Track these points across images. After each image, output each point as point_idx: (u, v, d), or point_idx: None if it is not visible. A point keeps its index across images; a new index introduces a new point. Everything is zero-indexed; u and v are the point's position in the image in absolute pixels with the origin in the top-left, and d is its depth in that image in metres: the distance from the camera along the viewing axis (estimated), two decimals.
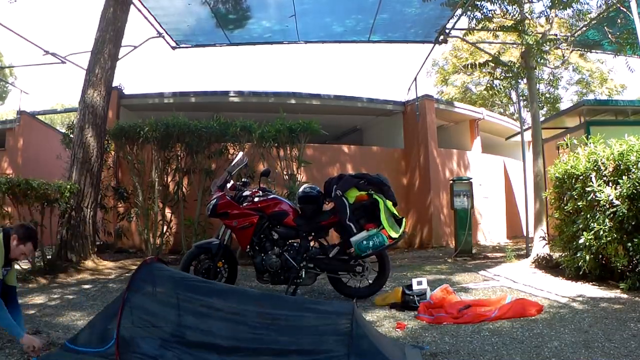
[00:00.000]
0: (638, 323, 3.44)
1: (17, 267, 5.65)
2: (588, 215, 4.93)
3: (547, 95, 17.38)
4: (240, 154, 5.11)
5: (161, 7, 7.77)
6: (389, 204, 4.45)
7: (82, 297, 4.75)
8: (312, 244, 4.68)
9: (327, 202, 4.71)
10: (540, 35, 7.56)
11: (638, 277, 4.54)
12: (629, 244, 4.52)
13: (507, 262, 7.20)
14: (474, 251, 8.45)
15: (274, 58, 77.41)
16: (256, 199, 4.64)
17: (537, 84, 14.54)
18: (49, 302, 4.47)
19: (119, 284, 5.48)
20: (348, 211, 4.35)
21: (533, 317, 3.72)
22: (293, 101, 10.63)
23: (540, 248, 6.86)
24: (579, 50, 10.66)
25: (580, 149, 5.46)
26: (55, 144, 10.58)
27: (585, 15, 7.75)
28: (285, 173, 8.05)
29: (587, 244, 4.84)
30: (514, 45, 13.65)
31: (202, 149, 8.01)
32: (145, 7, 7.74)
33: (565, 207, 5.41)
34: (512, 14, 7.45)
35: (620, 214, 4.51)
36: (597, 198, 4.76)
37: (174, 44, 9.08)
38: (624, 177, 4.59)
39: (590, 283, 5.02)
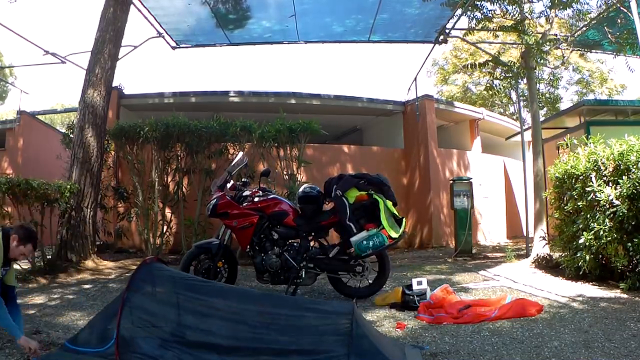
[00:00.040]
0: (638, 323, 3.44)
1: (17, 267, 5.66)
2: (588, 215, 4.93)
3: (547, 95, 17.37)
4: (240, 154, 5.11)
5: (161, 7, 7.77)
6: (389, 204, 4.45)
7: (82, 297, 4.76)
8: (312, 244, 4.68)
9: (327, 202, 4.71)
10: (540, 35, 7.56)
11: (638, 277, 4.54)
12: (629, 244, 4.52)
13: (507, 262, 7.20)
14: (474, 251, 8.45)
15: (274, 58, 77.43)
16: (256, 199, 4.64)
17: (537, 84, 14.54)
18: (49, 302, 4.47)
19: (119, 284, 5.48)
20: (348, 211, 4.35)
21: (533, 317, 3.72)
22: (293, 101, 10.63)
23: (540, 248, 6.86)
24: (579, 50, 10.65)
25: (580, 149, 5.46)
26: (55, 144, 10.58)
27: (585, 15, 7.75)
28: (285, 173, 8.05)
29: (587, 244, 4.84)
30: (514, 45, 13.66)
31: (202, 149, 8.01)
32: (145, 7, 7.74)
33: (565, 207, 5.41)
34: (512, 14, 7.45)
35: (620, 214, 4.51)
36: (597, 198, 4.76)
37: (174, 44, 9.07)
38: (624, 177, 4.59)
39: (590, 283, 5.02)
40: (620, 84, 20.17)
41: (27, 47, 65.65)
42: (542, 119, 10.58)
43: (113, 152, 8.68)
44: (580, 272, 5.09)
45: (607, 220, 4.66)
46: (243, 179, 5.59)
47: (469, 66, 8.67)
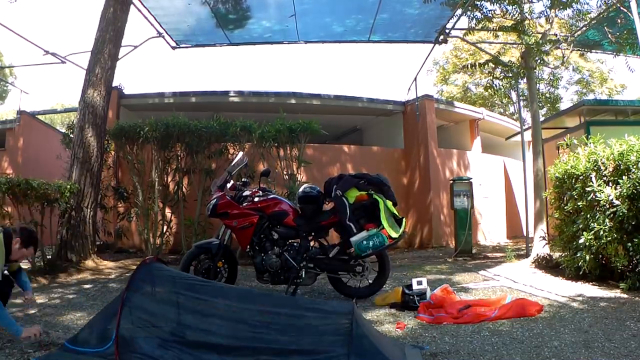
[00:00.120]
0: (638, 323, 3.44)
1: None
2: (588, 215, 4.93)
3: (547, 95, 17.39)
4: (240, 154, 5.11)
5: (161, 7, 7.77)
6: (389, 204, 4.45)
7: (82, 297, 4.75)
8: (312, 244, 4.68)
9: (327, 202, 4.71)
10: (540, 36, 7.56)
11: (638, 277, 4.54)
12: (629, 244, 4.51)
13: (507, 262, 7.19)
14: (474, 251, 8.44)
15: (274, 58, 77.44)
16: (256, 199, 4.64)
17: (537, 84, 14.56)
18: (49, 302, 4.47)
19: (119, 284, 5.48)
20: (348, 211, 4.35)
21: (533, 317, 3.72)
22: (293, 101, 10.63)
23: (540, 248, 6.86)
24: (579, 50, 10.65)
25: (580, 149, 5.46)
26: (55, 144, 10.58)
27: (585, 15, 7.75)
28: (285, 173, 8.05)
29: (587, 244, 4.84)
30: (514, 45, 13.65)
31: (202, 149, 8.01)
32: (145, 7, 7.74)
33: (565, 207, 5.41)
34: (512, 14, 7.45)
35: (620, 214, 4.51)
36: (597, 198, 4.76)
37: (174, 44, 9.08)
38: (624, 177, 4.59)
39: (590, 283, 5.02)
40: (620, 84, 20.19)
41: (27, 47, 65.68)
42: (542, 119, 10.58)
43: (113, 152, 8.68)
44: (580, 272, 5.09)
45: (607, 220, 4.65)
46: (243, 179, 5.59)
47: (469, 66, 8.65)
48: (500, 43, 14.34)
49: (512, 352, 2.91)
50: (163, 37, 8.70)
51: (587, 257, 4.91)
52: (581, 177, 5.12)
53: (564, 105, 19.53)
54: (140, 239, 8.51)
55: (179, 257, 6.91)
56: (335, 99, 11.13)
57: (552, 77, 16.26)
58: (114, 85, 7.89)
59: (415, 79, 10.53)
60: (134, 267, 6.60)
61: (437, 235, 10.14)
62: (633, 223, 4.51)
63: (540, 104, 16.88)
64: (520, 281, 5.47)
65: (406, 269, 6.79)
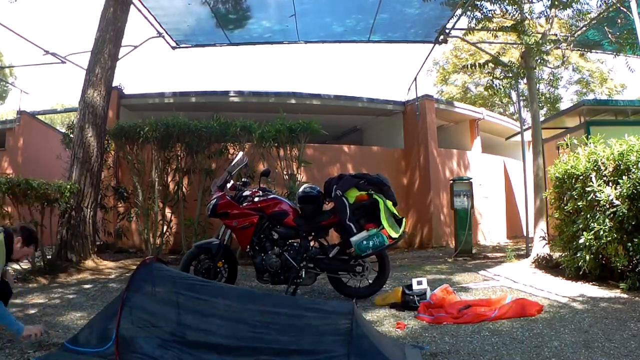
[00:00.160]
0: (638, 323, 3.44)
1: (17, 267, 5.70)
2: (588, 215, 4.93)
3: (547, 95, 17.39)
4: (240, 154, 5.11)
5: (161, 7, 7.77)
6: (389, 204, 4.45)
7: (82, 297, 4.75)
8: (312, 244, 4.68)
9: (327, 202, 4.71)
10: (540, 36, 7.56)
11: (638, 277, 4.54)
12: (629, 244, 4.51)
13: (507, 262, 7.19)
14: (474, 251, 8.44)
15: (274, 58, 77.44)
16: (256, 199, 4.64)
17: (537, 84, 14.57)
18: (49, 302, 4.47)
19: (119, 284, 5.48)
20: (348, 211, 4.35)
21: (533, 317, 3.72)
22: (293, 101, 10.63)
23: (540, 248, 6.86)
24: (579, 50, 10.66)
25: (580, 149, 5.46)
26: (55, 144, 10.58)
27: (585, 15, 7.75)
28: (285, 173, 8.05)
29: (587, 244, 4.84)
30: (514, 45, 13.65)
31: (202, 149, 8.01)
32: (145, 7, 7.74)
33: (565, 207, 5.41)
34: (512, 14, 7.45)
35: (620, 214, 4.51)
36: (597, 198, 4.76)
37: (174, 44, 9.08)
38: (624, 177, 4.59)
39: (590, 283, 5.02)
40: (620, 83, 20.20)
41: (27, 47, 65.69)
42: (542, 119, 10.58)
43: (113, 152, 8.68)
44: (580, 272, 5.09)
45: (607, 220, 4.65)
46: (243, 179, 5.59)
47: (469, 66, 8.66)
48: (500, 43, 14.34)
49: (512, 352, 2.91)
50: (163, 37, 8.70)
51: (587, 257, 4.91)
52: (581, 177, 5.12)
53: (564, 105, 19.55)
54: (140, 239, 8.51)
55: (179, 257, 6.91)
56: (335, 99, 11.13)
57: (552, 77, 16.28)
58: (114, 85, 7.89)
59: (415, 79, 10.54)
60: (134, 267, 6.60)
61: (437, 235, 10.14)
62: (633, 223, 4.51)
63: (540, 104, 16.89)
64: (520, 281, 5.47)
65: (406, 269, 6.79)
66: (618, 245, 4.62)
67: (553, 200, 5.90)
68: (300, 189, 4.83)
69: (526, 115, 13.83)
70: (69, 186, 6.38)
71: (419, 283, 4.35)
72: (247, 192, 4.73)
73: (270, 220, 4.61)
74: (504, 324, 3.58)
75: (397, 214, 4.52)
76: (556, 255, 6.40)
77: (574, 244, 5.19)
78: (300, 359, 2.34)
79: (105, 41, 7.18)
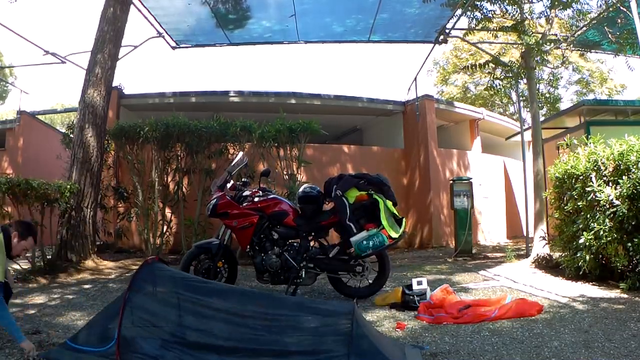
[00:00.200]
0: (638, 323, 3.44)
1: (17, 266, 5.70)
2: (588, 215, 4.93)
3: (547, 95, 17.38)
4: (240, 154, 5.11)
5: (161, 7, 7.77)
6: (389, 204, 4.45)
7: (82, 297, 4.75)
8: (312, 244, 4.68)
9: (327, 202, 4.71)
10: (540, 36, 7.56)
11: (638, 277, 4.54)
12: (629, 244, 4.52)
13: (507, 262, 7.20)
14: (474, 251, 8.45)
15: (274, 58, 77.45)
16: (256, 199, 4.64)
17: (537, 84, 14.56)
18: (49, 302, 4.47)
19: (119, 284, 5.48)
20: (348, 211, 4.35)
21: (533, 317, 3.72)
22: (293, 101, 10.63)
23: (540, 248, 6.86)
24: (579, 50, 10.66)
25: (580, 149, 5.46)
26: (55, 144, 10.58)
27: (585, 16, 7.75)
28: (285, 173, 8.05)
29: (587, 244, 4.84)
30: (514, 46, 13.65)
31: (202, 149, 8.01)
32: (145, 7, 7.74)
33: (565, 207, 5.41)
34: (512, 15, 7.45)
35: (620, 214, 4.51)
36: (597, 198, 4.76)
37: (174, 44, 9.08)
38: (624, 177, 4.59)
39: (590, 283, 5.02)
40: (620, 84, 20.19)
41: (27, 47, 65.72)
42: (542, 119, 10.58)
43: (113, 152, 8.67)
44: (580, 272, 5.09)
45: (607, 220, 4.65)
46: (243, 179, 5.59)
47: (470, 67, 8.66)
48: (500, 43, 14.34)
49: (512, 352, 2.91)
50: (163, 37, 8.70)
51: (587, 257, 4.91)
52: (581, 177, 5.12)
53: (564, 105, 19.53)
54: (140, 239, 8.51)
55: (179, 257, 6.91)
56: (335, 99, 11.13)
57: (552, 77, 16.28)
58: (114, 85, 7.89)
59: (415, 79, 10.54)
60: (134, 267, 6.63)
61: (437, 235, 10.14)
62: (633, 223, 4.51)
63: (540, 104, 16.87)
64: (520, 281, 5.47)
65: (406, 269, 6.79)
66: (618, 245, 4.62)
67: (553, 200, 5.90)
68: (300, 189, 4.83)
69: (526, 115, 13.83)
70: (69, 186, 6.38)
71: (419, 283, 4.35)
72: (247, 192, 4.73)
73: (270, 220, 4.61)
74: (504, 324, 3.58)
75: (397, 214, 4.52)
76: (556, 255, 6.41)
77: (574, 244, 5.19)
78: (301, 359, 2.34)
79: (105, 41, 7.18)
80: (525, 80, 7.84)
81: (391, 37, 9.18)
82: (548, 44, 7.76)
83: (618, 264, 4.63)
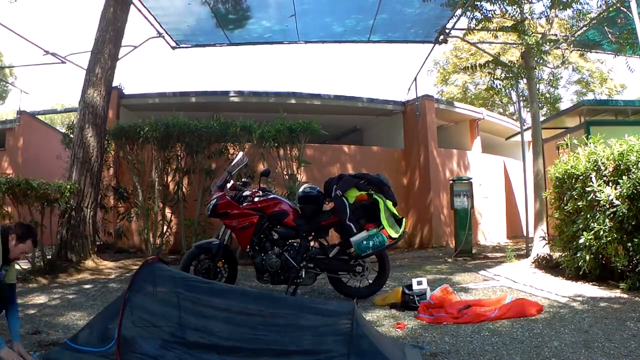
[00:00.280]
0: (638, 323, 3.44)
1: (17, 267, 5.68)
2: (588, 215, 4.93)
3: (547, 95, 17.35)
4: (240, 154, 5.11)
5: (161, 7, 7.77)
6: (389, 204, 4.45)
7: (82, 297, 4.76)
8: (312, 244, 4.68)
9: (327, 202, 4.71)
10: (540, 36, 7.56)
11: (638, 277, 4.54)
12: (629, 244, 4.52)
13: (507, 262, 7.20)
14: (474, 251, 8.45)
15: (274, 58, 77.41)
16: (256, 199, 4.64)
17: (537, 84, 14.52)
18: (49, 302, 4.47)
19: (119, 284, 5.48)
20: (348, 211, 4.35)
21: (533, 317, 3.73)
22: (293, 101, 10.63)
23: (540, 248, 6.86)
24: (579, 50, 10.66)
25: (580, 149, 5.46)
26: (55, 144, 10.58)
27: (585, 16, 7.75)
28: (285, 173, 8.05)
29: (587, 244, 4.84)
30: (514, 46, 13.65)
31: (202, 149, 8.01)
32: (145, 7, 7.74)
33: (565, 207, 5.41)
34: (512, 15, 7.45)
35: (620, 214, 4.51)
36: (597, 198, 4.76)
37: (174, 44, 9.07)
38: (624, 177, 4.59)
39: (590, 283, 5.02)
40: (620, 84, 20.19)
41: (27, 47, 65.71)
42: (542, 119, 10.58)
43: (113, 152, 8.67)
44: (580, 272, 5.09)
45: (607, 220, 4.65)
46: (243, 179, 5.60)
47: (470, 67, 8.66)
48: (500, 43, 14.34)
49: (512, 352, 2.91)
50: (163, 37, 8.70)
51: (587, 257, 4.91)
52: (581, 177, 5.12)
53: (564, 105, 19.51)
54: (140, 239, 8.51)
55: (179, 257, 6.91)
56: (335, 99, 11.13)
57: (552, 77, 16.26)
58: (114, 85, 7.89)
59: (415, 79, 10.54)
60: (134, 267, 6.63)
61: (437, 235, 10.14)
62: (633, 223, 4.51)
63: (540, 104, 16.85)
64: (520, 281, 5.47)
65: (406, 269, 6.79)
66: (618, 245, 4.62)
67: (553, 200, 5.90)
68: (300, 189, 4.84)
69: (526, 115, 13.81)
70: (69, 186, 6.39)
71: (419, 283, 4.35)
72: (247, 192, 4.73)
73: (270, 220, 4.61)
74: (504, 324, 3.58)
75: (397, 214, 4.52)
76: (556, 255, 6.41)
77: (574, 244, 5.19)
78: (301, 359, 2.34)
79: (105, 41, 7.18)
80: (525, 80, 7.84)
81: (391, 37, 9.18)
82: (548, 44, 7.75)
83: (618, 264, 4.63)
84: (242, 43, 9.45)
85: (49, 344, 3.02)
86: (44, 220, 6.03)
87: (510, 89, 9.33)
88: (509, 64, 7.98)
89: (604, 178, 4.85)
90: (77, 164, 6.88)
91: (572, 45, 8.29)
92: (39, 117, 12.82)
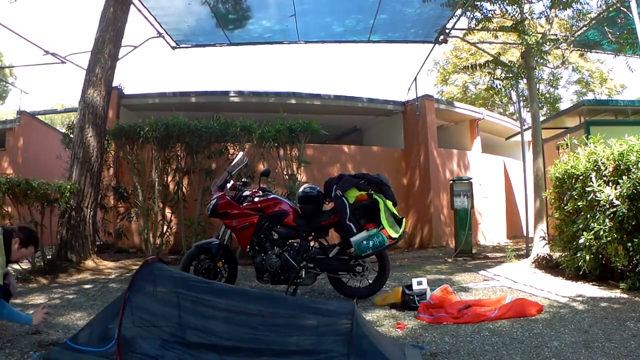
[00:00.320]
0: (638, 323, 3.44)
1: (17, 267, 5.70)
2: (588, 215, 4.93)
3: (547, 95, 17.37)
4: (240, 154, 5.11)
5: (161, 7, 7.77)
6: (389, 204, 4.45)
7: (82, 297, 4.75)
8: (312, 244, 4.68)
9: (327, 202, 4.70)
10: (540, 36, 7.56)
11: (638, 277, 4.54)
12: (629, 244, 4.51)
13: (507, 262, 7.20)
14: (474, 251, 8.45)
15: (274, 58, 77.44)
16: (256, 199, 4.64)
17: (537, 84, 14.54)
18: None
19: (119, 284, 5.48)
20: (348, 211, 4.35)
21: (533, 317, 3.72)
22: (293, 101, 10.63)
23: (540, 248, 6.86)
24: (579, 50, 10.66)
25: (580, 149, 5.46)
26: (55, 144, 10.58)
27: (585, 15, 7.75)
28: (285, 173, 8.05)
29: (587, 244, 4.84)
30: (514, 46, 13.65)
31: (202, 149, 8.01)
32: (145, 7, 7.74)
33: (565, 207, 5.41)
34: (512, 15, 7.45)
35: (620, 214, 4.51)
36: (597, 198, 4.76)
37: (174, 44, 9.08)
38: (624, 177, 4.59)
39: (590, 283, 5.02)
40: (620, 84, 20.20)
41: (27, 47, 65.68)
42: (542, 119, 10.58)
43: (113, 152, 8.68)
44: (580, 272, 5.09)
45: (607, 220, 4.65)
46: (243, 179, 5.59)
47: (470, 67, 8.66)
48: (500, 43, 14.34)
49: (512, 352, 2.91)
50: (163, 37, 8.70)
51: (587, 257, 4.91)
52: (581, 177, 5.12)
53: (563, 105, 19.53)
54: (140, 239, 8.51)
55: (179, 257, 6.91)
56: (335, 99, 11.13)
57: (552, 77, 16.28)
58: (114, 85, 7.89)
59: (415, 79, 10.54)
60: (134, 267, 6.63)
61: (437, 235, 10.14)
62: (633, 223, 4.51)
63: (540, 104, 16.87)
64: (520, 281, 5.47)
65: (406, 269, 6.79)
66: (618, 245, 4.62)
67: (553, 200, 5.90)
68: (300, 189, 4.83)
69: (526, 115, 13.82)
70: (69, 186, 6.38)
71: (419, 283, 4.35)
72: (247, 192, 4.73)
73: (270, 220, 4.61)
74: (504, 324, 3.58)
75: (397, 214, 4.52)
76: (556, 255, 6.41)
77: (574, 244, 5.19)
78: (301, 359, 2.34)
79: (105, 41, 7.18)
80: (525, 80, 7.84)
81: (391, 37, 9.18)
82: (548, 44, 7.75)
83: (618, 264, 4.63)
84: (242, 43, 9.46)
85: (49, 344, 3.01)
86: (44, 220, 6.03)
87: (510, 89, 9.34)
88: (509, 64, 7.98)
89: (604, 178, 4.85)
90: (77, 164, 6.88)
91: (572, 45, 8.30)
92: (39, 117, 12.82)
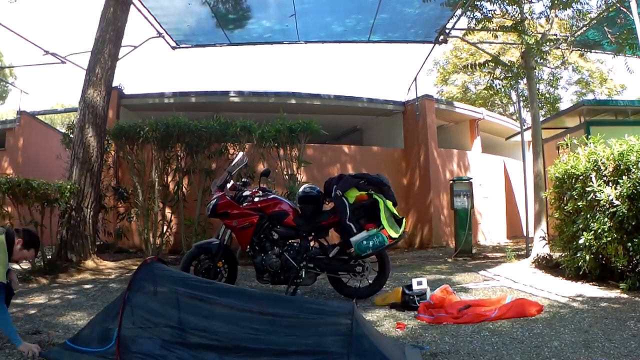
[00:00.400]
0: (638, 323, 3.44)
1: (17, 267, 5.70)
2: (588, 215, 4.93)
3: (547, 95, 17.36)
4: (240, 154, 5.11)
5: (161, 7, 7.77)
6: (389, 204, 4.45)
7: (82, 297, 4.75)
8: (312, 244, 4.68)
9: (327, 202, 4.71)
10: (540, 36, 7.56)
11: (638, 277, 4.54)
12: (629, 244, 4.51)
13: (507, 262, 7.20)
14: (474, 251, 8.45)
15: (274, 58, 77.43)
16: (256, 199, 4.64)
17: (537, 84, 14.53)
18: (49, 302, 4.47)
19: (119, 284, 5.48)
20: (348, 211, 4.35)
21: (533, 317, 3.72)
22: (293, 101, 10.63)
23: (540, 248, 6.86)
24: (579, 50, 10.66)
25: (580, 149, 5.46)
26: (55, 144, 10.58)
27: (585, 16, 7.75)
28: (285, 173, 8.05)
29: (587, 244, 4.84)
30: (514, 46, 13.66)
31: (202, 149, 8.01)
32: (145, 7, 7.74)
33: (565, 207, 5.41)
34: (512, 15, 7.45)
35: (620, 214, 4.51)
36: (597, 198, 4.76)
37: (174, 44, 9.08)
38: (624, 177, 4.59)
39: (590, 283, 5.02)
40: (620, 84, 20.20)
41: (27, 47, 65.68)
42: (542, 119, 10.58)
43: (113, 152, 8.68)
44: (580, 272, 5.09)
45: (607, 220, 4.65)
46: (243, 179, 5.59)
47: (469, 66, 8.66)
48: (500, 43, 14.34)
49: (512, 352, 2.91)
50: (163, 37, 8.70)
51: (587, 257, 4.91)
52: (581, 177, 5.12)
53: (563, 105, 19.52)
54: (140, 239, 8.50)
55: (179, 257, 6.91)
56: (335, 99, 11.13)
57: (552, 77, 16.26)
58: (114, 85, 7.89)
59: (415, 79, 10.54)
60: (134, 267, 6.62)
61: (437, 235, 10.14)
62: (633, 223, 4.51)
63: (540, 104, 16.87)
64: (520, 281, 5.47)
65: (406, 269, 6.79)
66: (618, 245, 4.62)
67: (553, 200, 5.90)
68: (300, 189, 4.83)
69: (526, 115, 13.82)
70: (69, 186, 6.38)
71: (419, 283, 4.35)
72: (247, 192, 4.73)
73: (270, 220, 4.61)
74: (504, 324, 3.58)
75: (397, 214, 4.52)
76: (556, 255, 6.41)
77: (574, 244, 5.19)
78: (301, 359, 2.34)
79: (105, 41, 7.18)
80: (525, 80, 7.84)
81: (391, 37, 9.18)
82: (548, 44, 7.75)
83: (618, 264, 4.63)
84: (242, 43, 9.46)
85: (49, 344, 3.01)
86: (44, 220, 6.03)
87: (510, 89, 9.35)
88: (509, 64, 7.98)
89: (604, 178, 4.85)
90: (77, 164, 6.88)
91: (572, 45, 8.30)
92: (39, 117, 12.82)
